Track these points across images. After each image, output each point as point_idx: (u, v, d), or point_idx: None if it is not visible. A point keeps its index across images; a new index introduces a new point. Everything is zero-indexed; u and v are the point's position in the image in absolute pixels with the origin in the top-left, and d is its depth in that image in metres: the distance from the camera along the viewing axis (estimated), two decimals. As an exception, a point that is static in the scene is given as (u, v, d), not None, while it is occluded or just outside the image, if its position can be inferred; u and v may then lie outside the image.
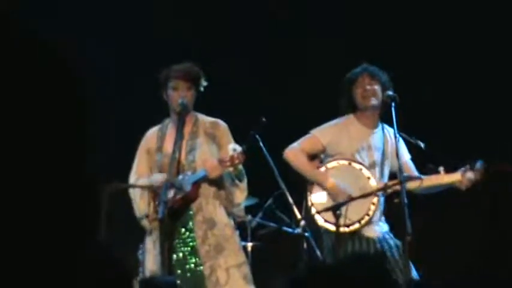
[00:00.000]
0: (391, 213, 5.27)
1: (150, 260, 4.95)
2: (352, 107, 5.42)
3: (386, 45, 6.86)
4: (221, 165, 4.80)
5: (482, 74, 6.90)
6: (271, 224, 6.51)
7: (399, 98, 5.22)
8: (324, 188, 5.26)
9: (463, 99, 6.90)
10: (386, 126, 5.40)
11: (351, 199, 5.12)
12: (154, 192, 4.93)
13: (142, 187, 5.01)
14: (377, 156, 5.37)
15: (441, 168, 5.28)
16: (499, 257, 6.83)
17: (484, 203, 6.72)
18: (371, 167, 5.31)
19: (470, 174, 5.27)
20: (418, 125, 5.57)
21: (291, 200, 5.78)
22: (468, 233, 6.81)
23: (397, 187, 5.05)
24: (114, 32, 7.07)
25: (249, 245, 6.50)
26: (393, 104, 5.16)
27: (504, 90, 6.88)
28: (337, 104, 5.48)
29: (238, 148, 4.75)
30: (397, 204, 4.91)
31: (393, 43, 6.92)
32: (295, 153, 5.34)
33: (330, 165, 5.31)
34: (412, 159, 5.43)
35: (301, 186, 5.35)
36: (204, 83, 5.09)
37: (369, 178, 5.26)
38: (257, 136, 5.47)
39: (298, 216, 5.73)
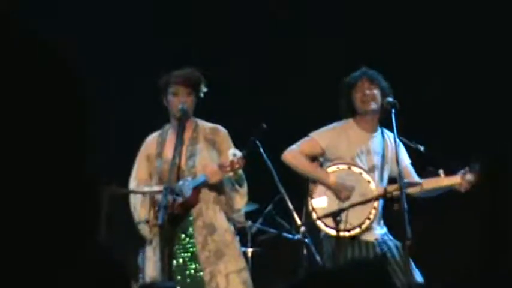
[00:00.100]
0: (390, 218, 5.27)
1: (150, 267, 4.95)
2: (351, 111, 5.42)
3: (386, 45, 6.85)
4: (221, 170, 4.79)
5: (481, 75, 6.89)
6: (271, 230, 6.49)
7: (399, 98, 5.22)
8: (326, 186, 5.26)
9: (463, 99, 6.89)
10: (386, 131, 5.40)
11: (352, 205, 5.13)
12: (154, 198, 4.93)
13: (139, 193, 5.00)
14: (376, 160, 5.37)
15: (441, 171, 5.28)
16: (498, 259, 6.83)
17: (484, 205, 6.72)
18: (370, 171, 5.32)
19: (469, 177, 5.28)
20: (417, 127, 5.57)
21: (291, 206, 5.78)
22: (468, 235, 6.81)
23: (397, 193, 5.06)
24: (114, 32, 7.06)
25: (249, 250, 6.48)
26: (393, 111, 5.16)
27: (503, 93, 6.87)
28: (337, 104, 5.47)
29: (238, 153, 4.74)
30: (397, 210, 4.91)
31: (393, 43, 6.91)
32: (294, 154, 5.34)
33: (329, 169, 5.32)
34: (412, 164, 5.44)
35: (301, 191, 5.35)
36: (204, 89, 5.07)
37: (369, 182, 5.27)
38: (257, 142, 5.45)
39: (298, 222, 5.73)
